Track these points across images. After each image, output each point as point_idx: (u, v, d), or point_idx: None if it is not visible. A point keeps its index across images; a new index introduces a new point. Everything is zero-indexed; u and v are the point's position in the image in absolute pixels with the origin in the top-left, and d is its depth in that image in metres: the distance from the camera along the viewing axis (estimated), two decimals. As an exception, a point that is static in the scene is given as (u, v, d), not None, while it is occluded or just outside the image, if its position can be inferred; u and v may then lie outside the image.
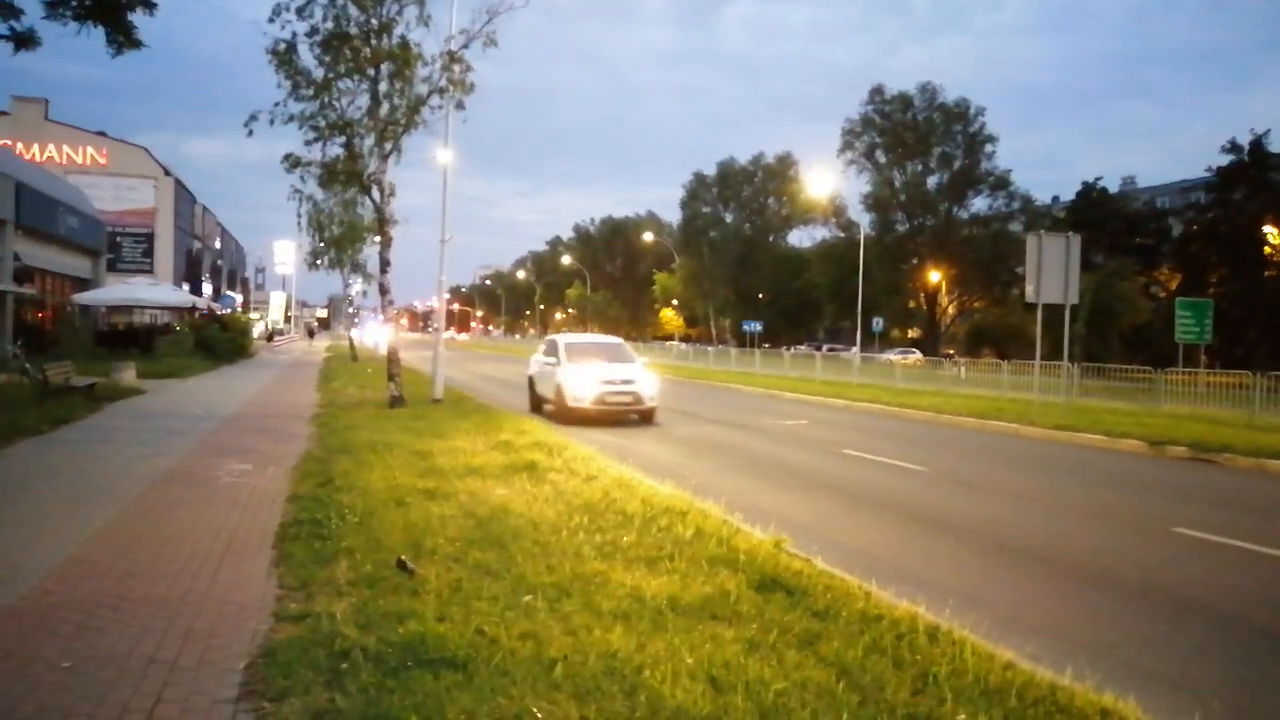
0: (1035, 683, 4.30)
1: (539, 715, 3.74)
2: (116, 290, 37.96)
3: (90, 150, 55.56)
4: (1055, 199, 67.71)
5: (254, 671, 4.28)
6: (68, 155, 54.32)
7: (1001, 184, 64.37)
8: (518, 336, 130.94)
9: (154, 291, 37.57)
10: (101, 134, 57.44)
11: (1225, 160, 54.10)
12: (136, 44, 13.58)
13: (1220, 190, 54.92)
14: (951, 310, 68.85)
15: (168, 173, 59.77)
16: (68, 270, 36.20)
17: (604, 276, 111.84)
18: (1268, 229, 51.80)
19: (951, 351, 58.30)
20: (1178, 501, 10.73)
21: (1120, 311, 45.05)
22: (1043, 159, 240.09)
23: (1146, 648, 5.49)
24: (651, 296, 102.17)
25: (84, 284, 37.90)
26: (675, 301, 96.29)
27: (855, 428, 18.43)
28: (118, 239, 52.73)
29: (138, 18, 13.56)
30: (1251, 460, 13.45)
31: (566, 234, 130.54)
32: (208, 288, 71.24)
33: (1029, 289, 19.21)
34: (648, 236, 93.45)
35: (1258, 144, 52.99)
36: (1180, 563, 7.58)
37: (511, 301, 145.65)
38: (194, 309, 40.07)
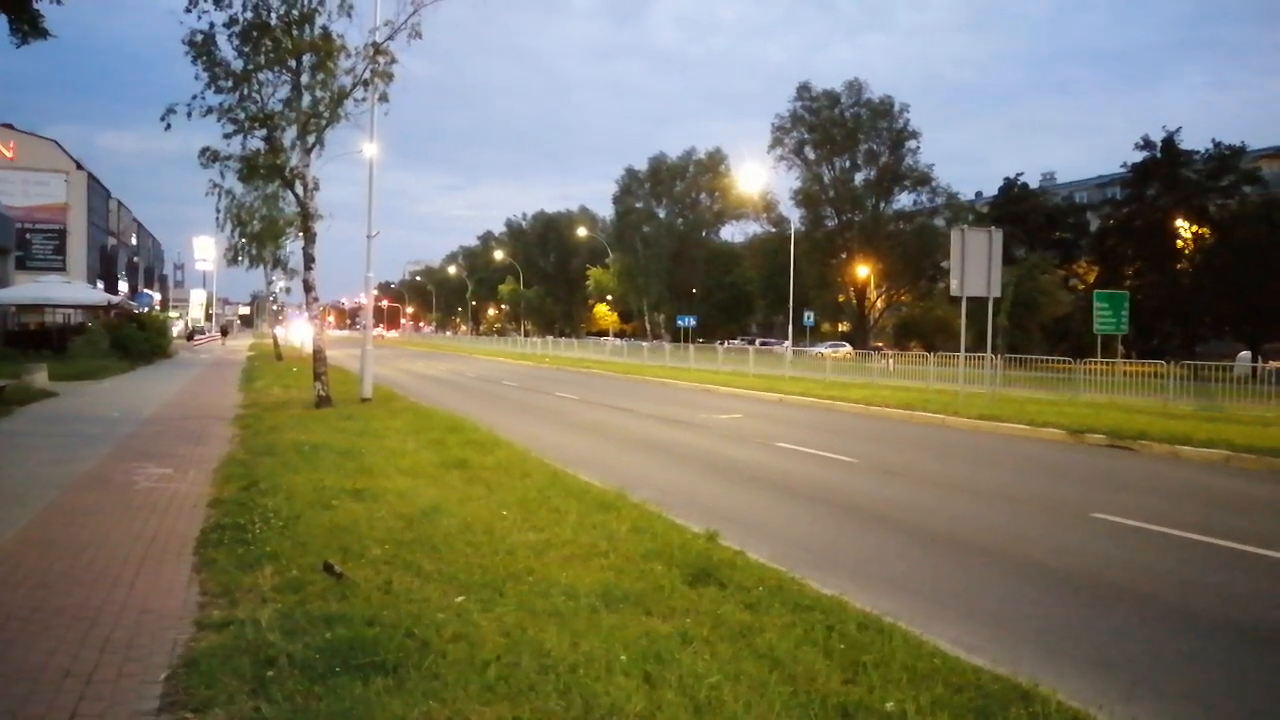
0: (960, 669, 4.41)
1: (471, 719, 3.70)
2: (26, 289, 36.41)
3: (-4, 143, 53.21)
4: (978, 194, 69.45)
5: (175, 682, 4.15)
6: (-29, 149, 51.97)
7: (923, 180, 65.86)
8: (450, 333, 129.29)
9: (67, 290, 36.16)
10: (8, 126, 54.99)
11: (1140, 157, 55.88)
12: (43, 34, 13.00)
13: (1135, 186, 56.72)
14: (880, 304, 70.22)
15: (80, 166, 57.51)
16: (-27, 269, 34.67)
17: (537, 272, 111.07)
18: (1180, 223, 53.77)
19: (880, 344, 59.51)
20: (1096, 488, 11.11)
21: (1041, 304, 46.42)
22: (966, 155, 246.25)
23: (1067, 629, 5.66)
24: (585, 292, 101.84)
25: (-9, 283, 36.33)
26: (609, 297, 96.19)
27: (788, 421, 18.66)
28: (27, 236, 50.74)
29: (45, 6, 13.00)
30: (1166, 447, 14.00)
31: (498, 229, 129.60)
32: (124, 285, 68.78)
33: (953, 283, 19.75)
34: (581, 231, 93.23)
35: (1170, 141, 54.72)
36: (1098, 547, 7.84)
37: (443, 297, 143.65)
38: (109, 307, 38.57)
